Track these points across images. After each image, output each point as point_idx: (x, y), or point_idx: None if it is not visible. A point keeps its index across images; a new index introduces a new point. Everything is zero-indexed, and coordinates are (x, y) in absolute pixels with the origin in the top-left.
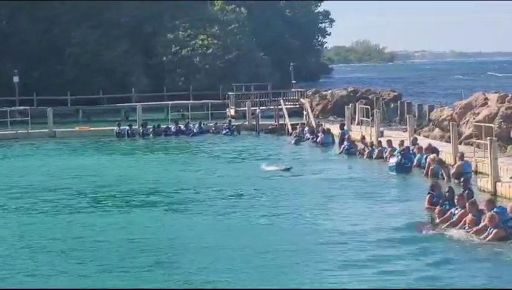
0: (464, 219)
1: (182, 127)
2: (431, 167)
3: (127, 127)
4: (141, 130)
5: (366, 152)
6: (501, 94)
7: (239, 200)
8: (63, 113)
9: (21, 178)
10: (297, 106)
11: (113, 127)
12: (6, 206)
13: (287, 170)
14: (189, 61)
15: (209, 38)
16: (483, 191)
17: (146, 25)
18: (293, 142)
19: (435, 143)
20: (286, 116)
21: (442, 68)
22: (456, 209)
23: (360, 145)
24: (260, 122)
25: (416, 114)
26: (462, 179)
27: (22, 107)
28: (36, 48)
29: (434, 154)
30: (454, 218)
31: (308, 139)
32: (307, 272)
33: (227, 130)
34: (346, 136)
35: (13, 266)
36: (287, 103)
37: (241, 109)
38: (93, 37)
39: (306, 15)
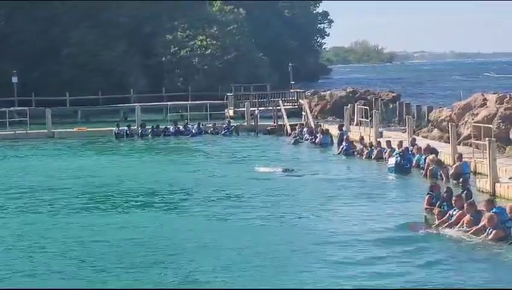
0: (462, 220)
1: (181, 127)
2: (430, 168)
3: (126, 128)
4: (140, 131)
5: (364, 153)
6: (500, 95)
7: (238, 200)
8: (61, 114)
9: (20, 178)
10: (296, 106)
11: (112, 128)
12: (5, 207)
13: (287, 171)
14: (188, 62)
15: (207, 39)
16: (482, 191)
17: (145, 25)
18: (291, 142)
19: (434, 144)
20: (285, 116)
21: (441, 69)
22: (454, 210)
23: (359, 146)
24: (259, 123)
25: (415, 115)
26: (461, 179)
27: (20, 108)
28: (35, 48)
29: (433, 155)
30: (453, 219)
31: (307, 139)
32: (305, 272)
33: (226, 130)
34: (345, 137)
35: (12, 266)
36: (285, 104)
37: (240, 109)
38: (91, 37)
39: (305, 15)
